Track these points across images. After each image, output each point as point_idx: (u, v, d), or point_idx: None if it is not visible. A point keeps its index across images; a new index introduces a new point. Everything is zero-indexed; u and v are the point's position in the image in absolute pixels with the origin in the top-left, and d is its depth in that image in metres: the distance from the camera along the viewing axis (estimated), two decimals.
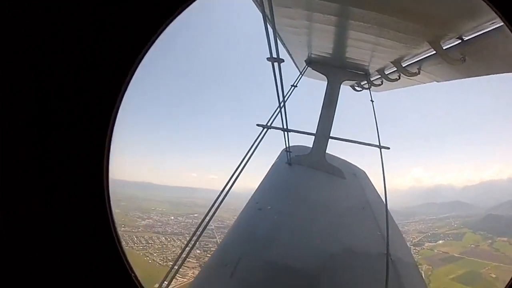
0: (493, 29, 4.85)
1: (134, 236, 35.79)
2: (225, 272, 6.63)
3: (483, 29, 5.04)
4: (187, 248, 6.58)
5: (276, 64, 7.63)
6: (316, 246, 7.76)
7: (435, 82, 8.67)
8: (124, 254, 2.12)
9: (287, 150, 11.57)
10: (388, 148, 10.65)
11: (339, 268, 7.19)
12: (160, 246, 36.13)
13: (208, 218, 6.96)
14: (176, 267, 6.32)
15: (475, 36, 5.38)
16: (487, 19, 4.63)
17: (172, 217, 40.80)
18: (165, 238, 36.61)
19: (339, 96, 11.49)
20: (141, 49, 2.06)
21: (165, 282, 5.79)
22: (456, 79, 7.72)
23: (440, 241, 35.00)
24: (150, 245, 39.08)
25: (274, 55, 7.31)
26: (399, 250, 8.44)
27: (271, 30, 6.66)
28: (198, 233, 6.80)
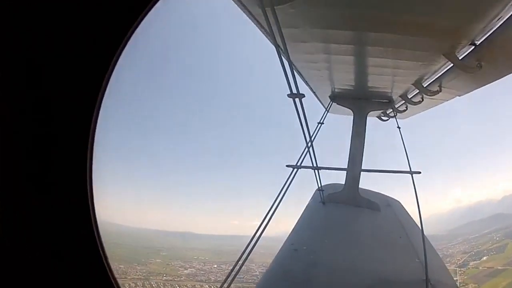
0: (502, 25, 5.19)
1: (176, 285, 35.80)
2: None
3: (492, 28, 5.39)
4: None
5: (298, 100, 7.65)
6: (353, 282, 7.77)
7: (457, 97, 8.94)
8: (105, 257, 2.06)
9: (320, 189, 11.72)
10: (419, 173, 10.73)
11: None
12: None
13: (242, 260, 7.01)
14: None
15: (486, 38, 5.72)
16: (494, 15, 4.98)
17: (215, 265, 40.24)
18: (209, 286, 36.29)
19: (366, 128, 11.86)
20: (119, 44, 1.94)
21: None
22: (476, 88, 7.99)
23: (484, 258, 33.68)
24: None
25: (294, 91, 7.31)
26: (439, 273, 8.43)
27: (287, 64, 6.76)
28: (232, 275, 6.80)
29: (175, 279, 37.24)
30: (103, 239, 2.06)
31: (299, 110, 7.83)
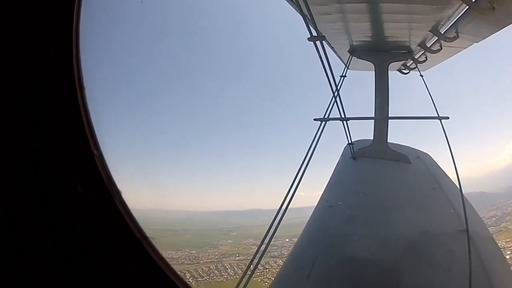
0: None
1: None
2: (301, 275, 6.57)
3: None
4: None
5: (319, 44, 7.17)
6: (392, 235, 7.63)
7: (474, 44, 8.83)
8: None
9: (350, 144, 11.68)
10: (448, 118, 10.37)
11: (419, 253, 7.01)
12: (278, 269, 35.90)
13: (276, 222, 6.85)
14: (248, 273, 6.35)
15: None
16: None
17: (287, 239, 40.80)
18: (282, 261, 36.10)
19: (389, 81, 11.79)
20: None
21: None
22: (491, 33, 7.86)
23: None
24: (267, 270, 40.22)
25: (314, 33, 6.98)
26: (475, 224, 8.23)
27: (303, 3, 6.49)
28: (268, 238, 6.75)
29: (248, 258, 37.69)
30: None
31: (321, 54, 7.41)
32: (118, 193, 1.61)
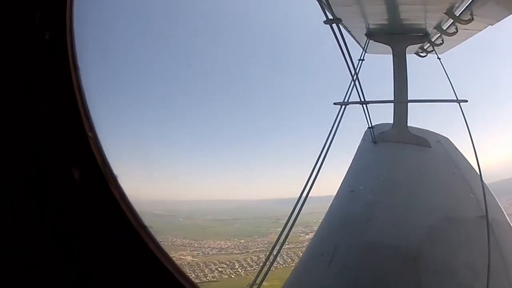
0: None
1: (299, 252, 34.77)
2: (323, 261, 6.61)
3: None
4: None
5: (335, 27, 7.13)
6: (413, 219, 7.67)
7: (489, 26, 8.86)
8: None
9: (371, 127, 11.71)
10: (466, 101, 10.49)
11: (439, 239, 7.08)
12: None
13: (299, 206, 6.92)
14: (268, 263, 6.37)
15: None
16: None
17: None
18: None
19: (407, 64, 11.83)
20: None
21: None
22: (505, 16, 7.91)
23: None
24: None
25: (330, 16, 6.93)
26: (493, 210, 8.21)
27: None
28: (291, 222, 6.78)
29: (298, 246, 37.55)
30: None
31: (338, 37, 7.37)
32: (114, 178, 1.52)
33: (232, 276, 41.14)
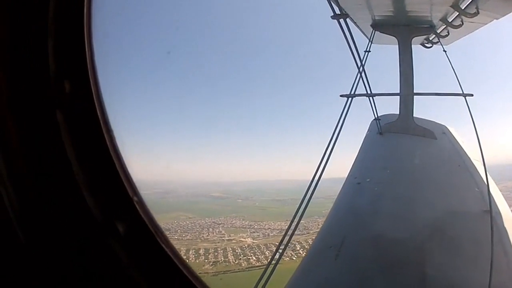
0: None
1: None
2: (330, 254, 6.63)
3: None
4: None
5: (343, 22, 7.24)
6: (419, 213, 7.70)
7: (495, 20, 8.89)
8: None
9: (377, 119, 11.69)
10: (472, 95, 10.39)
11: (444, 233, 7.10)
12: None
13: (308, 197, 7.02)
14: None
15: None
16: None
17: None
18: None
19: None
20: None
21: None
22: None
23: None
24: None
25: (337, 11, 7.02)
26: (497, 204, 8.29)
27: None
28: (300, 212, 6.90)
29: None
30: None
31: (345, 31, 7.49)
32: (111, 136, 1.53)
33: (294, 258, 40.04)
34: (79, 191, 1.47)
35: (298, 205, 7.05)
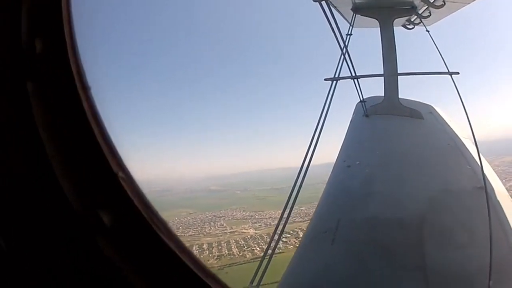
0: None
1: None
2: (326, 239, 6.58)
3: None
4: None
5: (325, 4, 7.18)
6: (413, 192, 7.67)
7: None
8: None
9: (362, 101, 11.68)
10: (458, 73, 10.30)
11: (441, 210, 7.09)
12: None
13: (299, 181, 6.95)
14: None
15: None
16: None
17: None
18: None
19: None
20: None
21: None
22: None
23: None
24: None
25: None
26: (491, 180, 8.25)
27: None
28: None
29: None
30: None
31: (327, 14, 7.45)
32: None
33: (298, 245, 41.13)
34: (55, 178, 1.26)
35: (289, 193, 6.95)
